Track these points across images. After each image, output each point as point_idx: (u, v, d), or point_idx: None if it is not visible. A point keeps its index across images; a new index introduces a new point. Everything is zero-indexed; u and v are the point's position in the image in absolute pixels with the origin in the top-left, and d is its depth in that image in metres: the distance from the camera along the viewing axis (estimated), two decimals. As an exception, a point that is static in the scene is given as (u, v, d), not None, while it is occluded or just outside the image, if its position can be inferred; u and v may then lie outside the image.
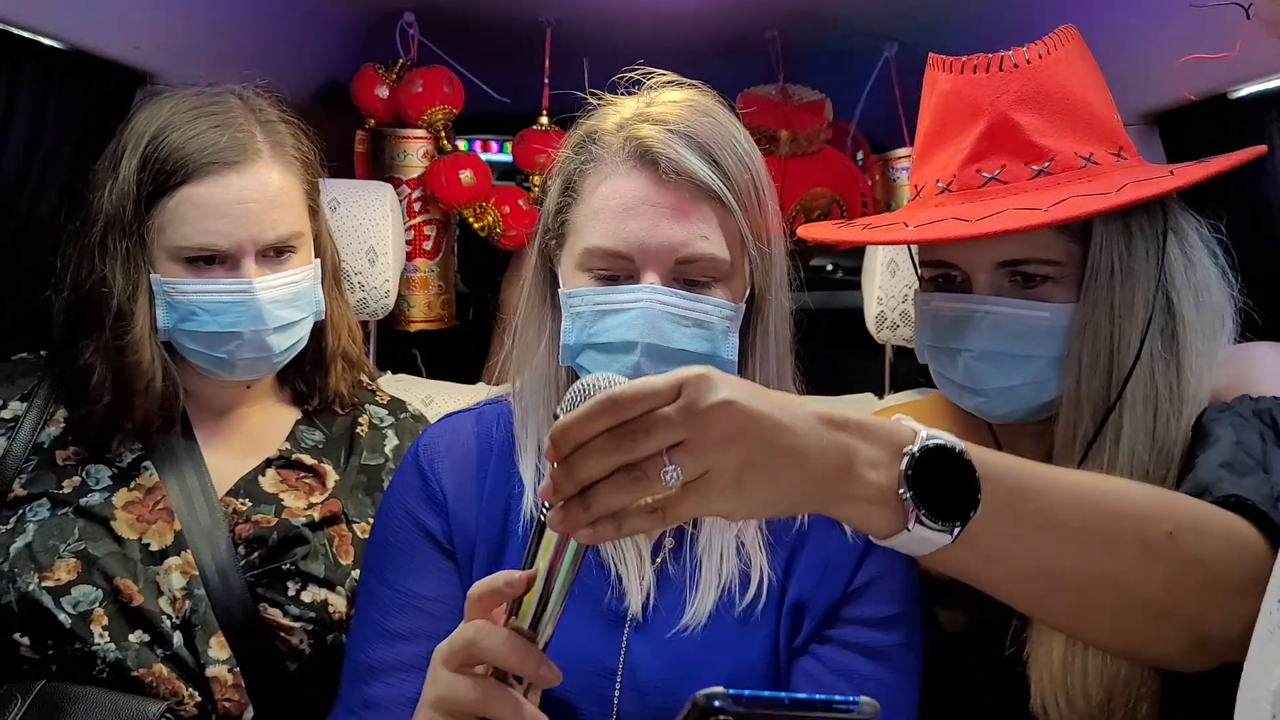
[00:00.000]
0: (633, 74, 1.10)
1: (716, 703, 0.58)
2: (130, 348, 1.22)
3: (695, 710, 0.58)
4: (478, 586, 0.75)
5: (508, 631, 0.75)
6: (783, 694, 0.60)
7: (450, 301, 2.16)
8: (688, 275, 1.01)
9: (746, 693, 0.59)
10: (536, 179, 2.15)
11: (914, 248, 1.22)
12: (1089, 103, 1.11)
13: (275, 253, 1.26)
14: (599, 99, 1.10)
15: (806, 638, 1.03)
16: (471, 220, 2.12)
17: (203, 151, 1.21)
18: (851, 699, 0.61)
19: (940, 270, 1.14)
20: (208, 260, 1.23)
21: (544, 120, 2.15)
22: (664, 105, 1.04)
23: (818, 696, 0.62)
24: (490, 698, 0.75)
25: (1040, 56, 1.09)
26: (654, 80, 1.09)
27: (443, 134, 2.06)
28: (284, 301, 1.26)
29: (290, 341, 1.29)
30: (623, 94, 1.10)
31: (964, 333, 1.10)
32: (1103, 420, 1.05)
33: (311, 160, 1.33)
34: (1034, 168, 1.08)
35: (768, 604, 1.02)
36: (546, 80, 2.10)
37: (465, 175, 2.04)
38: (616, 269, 1.02)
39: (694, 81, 1.10)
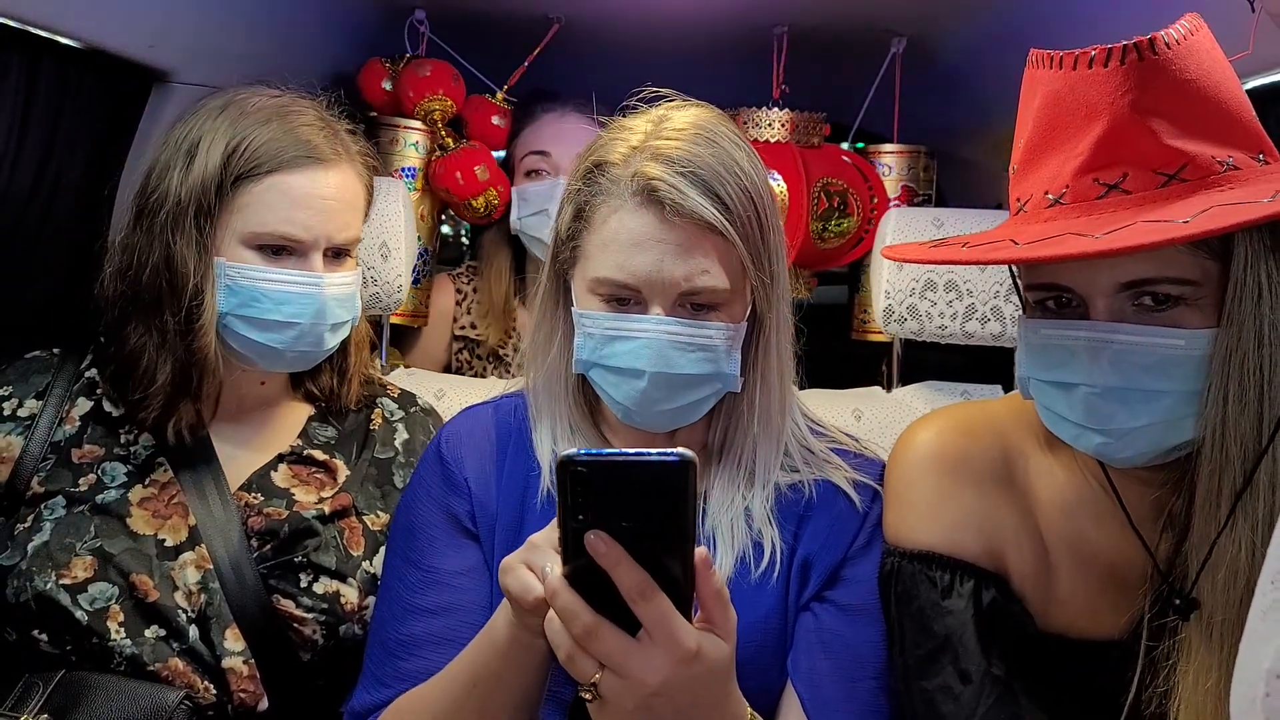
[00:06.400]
0: (640, 95, 1.13)
1: (576, 457, 0.73)
2: (204, 329, 1.22)
3: (560, 466, 0.74)
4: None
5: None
6: (621, 450, 0.74)
7: (427, 300, 2.15)
8: (692, 302, 1.07)
9: (595, 450, 0.74)
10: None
11: (1017, 269, 1.08)
12: (1226, 99, 0.95)
13: (335, 254, 1.29)
14: (603, 125, 1.13)
15: (811, 594, 1.11)
16: (473, 200, 2.13)
17: (299, 144, 1.24)
18: (670, 450, 0.73)
19: (1050, 294, 1.00)
20: (277, 250, 1.24)
21: (500, 95, 2.15)
22: (669, 136, 1.06)
23: (646, 451, 0.74)
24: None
25: (1169, 46, 0.92)
26: (660, 102, 1.12)
27: (440, 128, 2.07)
28: (340, 300, 1.29)
29: (336, 340, 1.32)
30: (627, 112, 1.13)
31: (1083, 365, 0.95)
32: (1254, 466, 0.91)
33: (373, 169, 1.38)
34: (1163, 174, 0.92)
35: (781, 567, 1.11)
36: (527, 64, 2.10)
37: (479, 170, 2.06)
38: (625, 296, 1.07)
39: (700, 102, 1.12)
